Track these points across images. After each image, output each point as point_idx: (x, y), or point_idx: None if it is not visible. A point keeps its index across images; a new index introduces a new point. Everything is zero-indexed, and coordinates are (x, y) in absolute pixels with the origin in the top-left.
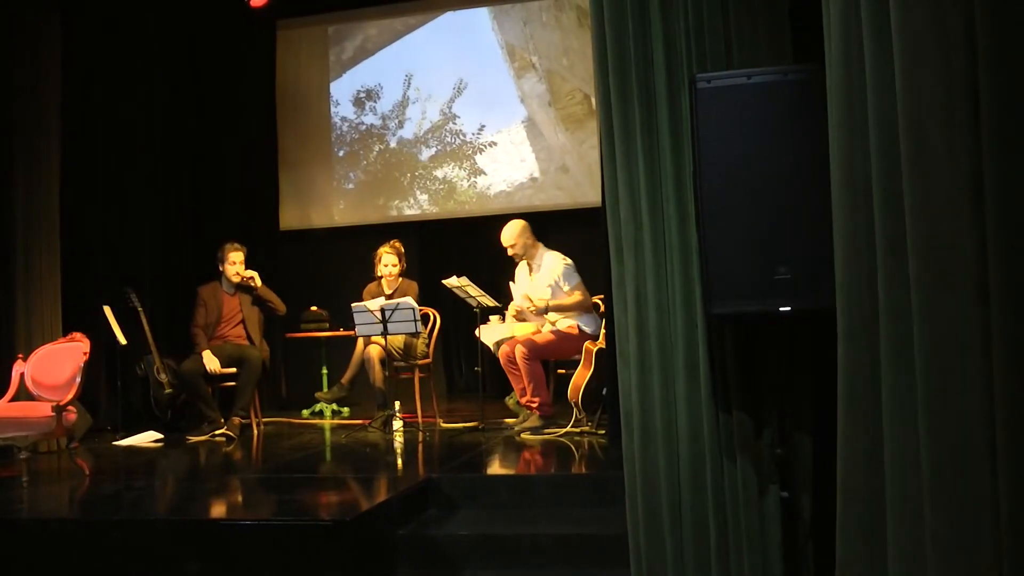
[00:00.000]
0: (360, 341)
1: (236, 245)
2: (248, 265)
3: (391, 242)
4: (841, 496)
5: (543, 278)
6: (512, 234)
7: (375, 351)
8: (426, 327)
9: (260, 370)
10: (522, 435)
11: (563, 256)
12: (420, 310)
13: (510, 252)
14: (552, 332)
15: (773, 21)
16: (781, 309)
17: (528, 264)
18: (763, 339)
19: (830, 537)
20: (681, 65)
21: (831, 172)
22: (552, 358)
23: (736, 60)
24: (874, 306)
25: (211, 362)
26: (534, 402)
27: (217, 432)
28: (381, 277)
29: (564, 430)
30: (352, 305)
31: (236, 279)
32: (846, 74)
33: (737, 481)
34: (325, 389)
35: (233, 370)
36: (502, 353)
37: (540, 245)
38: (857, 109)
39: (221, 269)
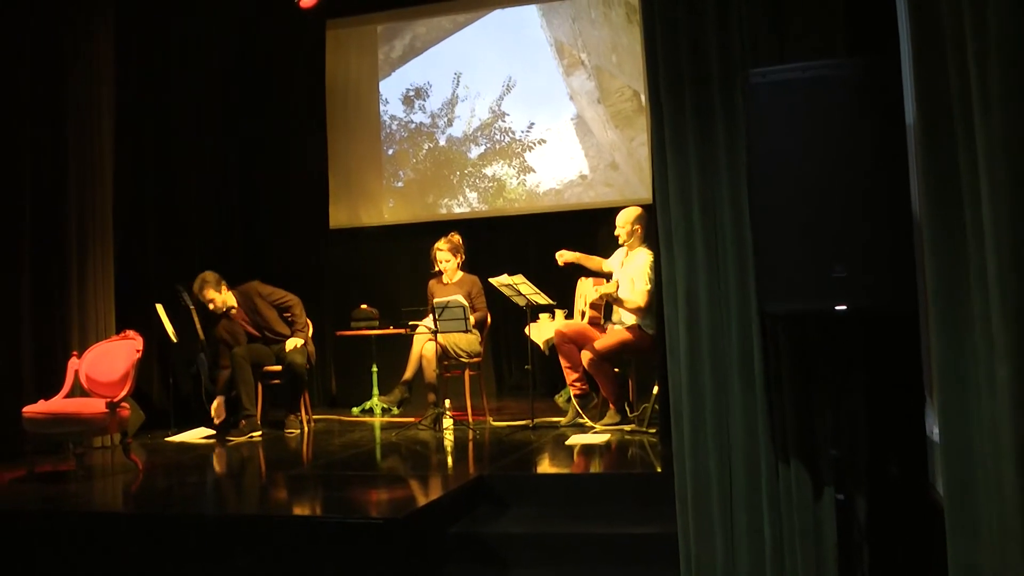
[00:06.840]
0: (416, 340)
1: (206, 279)
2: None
3: (448, 236)
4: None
5: (628, 271)
6: (624, 219)
7: (431, 349)
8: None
9: (301, 371)
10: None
11: (651, 254)
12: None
13: (616, 231)
14: (612, 334)
15: (827, 12)
16: (837, 308)
17: (627, 252)
18: (818, 338)
19: (886, 539)
20: (734, 59)
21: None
22: (616, 360)
23: (788, 53)
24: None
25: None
26: (610, 397)
27: (255, 432)
28: (441, 272)
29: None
30: (435, 302)
31: (222, 310)
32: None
33: (791, 483)
34: (375, 387)
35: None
36: (556, 334)
37: (643, 242)
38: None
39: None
